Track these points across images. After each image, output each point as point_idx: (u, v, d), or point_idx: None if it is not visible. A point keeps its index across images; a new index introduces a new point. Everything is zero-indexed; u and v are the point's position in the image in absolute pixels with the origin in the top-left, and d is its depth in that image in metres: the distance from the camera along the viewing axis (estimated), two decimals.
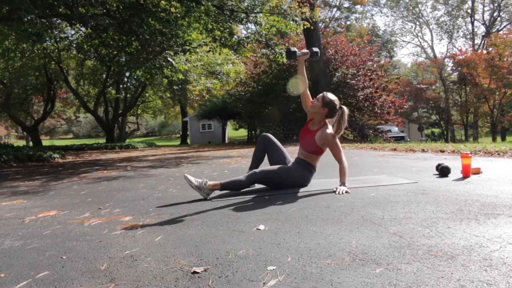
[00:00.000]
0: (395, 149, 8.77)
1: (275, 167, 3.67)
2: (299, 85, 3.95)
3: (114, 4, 7.30)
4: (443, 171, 4.13)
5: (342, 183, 3.51)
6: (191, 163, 7.72)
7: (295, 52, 3.88)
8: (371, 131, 18.61)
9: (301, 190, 3.60)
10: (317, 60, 4.55)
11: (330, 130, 3.67)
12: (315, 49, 3.98)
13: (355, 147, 10.76)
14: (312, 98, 3.85)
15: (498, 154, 6.35)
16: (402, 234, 2.07)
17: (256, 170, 3.61)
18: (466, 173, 4.01)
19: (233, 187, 3.61)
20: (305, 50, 3.95)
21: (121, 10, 7.47)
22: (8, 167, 8.41)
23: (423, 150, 7.94)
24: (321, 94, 3.73)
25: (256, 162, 3.97)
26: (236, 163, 7.18)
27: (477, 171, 4.16)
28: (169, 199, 3.56)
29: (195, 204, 3.27)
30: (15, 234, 2.49)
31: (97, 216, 2.97)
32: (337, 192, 3.37)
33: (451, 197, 3.01)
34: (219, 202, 3.25)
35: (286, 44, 18.69)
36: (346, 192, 3.39)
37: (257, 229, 2.33)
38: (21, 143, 40.07)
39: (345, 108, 3.70)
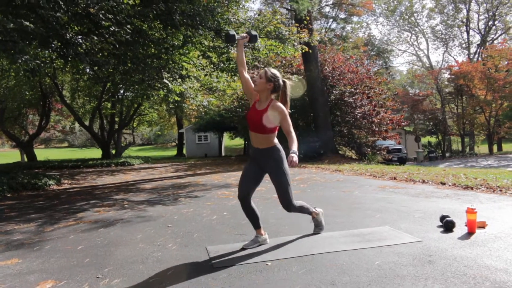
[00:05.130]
0: (395, 178, 8.69)
1: (282, 182, 3.68)
2: (238, 68, 3.99)
3: (113, 43, 7.23)
4: (448, 226, 4.05)
5: (293, 151, 3.43)
6: (189, 196, 7.62)
7: (234, 36, 3.89)
8: (369, 149, 18.59)
9: (304, 253, 3.51)
10: (255, 43, 4.66)
11: (277, 102, 3.70)
12: (254, 33, 4.02)
13: (353, 172, 10.68)
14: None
15: (500, 190, 6.29)
16: None
17: (289, 204, 3.73)
18: (472, 228, 3.93)
19: None
20: (244, 34, 3.97)
21: (117, 46, 7.41)
22: (3, 198, 8.28)
23: (423, 181, 7.87)
24: (262, 71, 3.77)
25: (254, 220, 3.86)
26: (234, 197, 7.08)
27: (483, 225, 4.08)
28: (169, 261, 3.47)
29: (196, 271, 3.19)
30: None
31: None
32: (288, 162, 3.41)
33: (459, 270, 2.93)
34: (221, 271, 3.15)
35: (283, 61, 18.64)
36: (294, 162, 3.36)
37: None
38: (16, 153, 39.82)
39: (287, 80, 3.82)
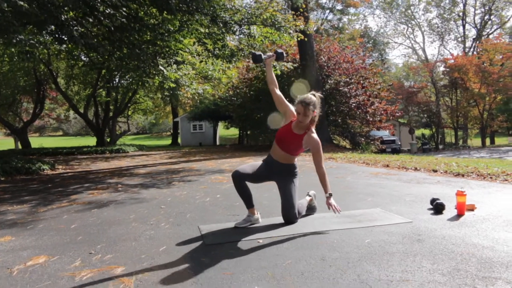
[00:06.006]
0: (387, 166, 8.75)
1: (291, 194, 3.80)
2: (269, 86, 3.95)
3: (108, 25, 7.20)
4: (438, 208, 4.11)
5: (330, 194, 3.67)
6: (182, 180, 7.65)
7: (261, 55, 3.93)
8: (362, 139, 18.67)
9: (296, 232, 3.55)
10: (283, 60, 4.67)
11: (315, 134, 3.77)
12: (280, 50, 4.05)
13: (346, 160, 10.73)
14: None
15: (491, 177, 6.36)
16: None
17: (293, 218, 3.82)
18: (461, 210, 3.99)
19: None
20: (271, 53, 4.00)
21: (113, 30, 7.39)
22: None
23: (415, 169, 7.93)
24: (298, 106, 3.65)
25: (247, 199, 3.88)
26: (228, 181, 7.12)
27: (472, 208, 4.14)
28: (161, 239, 3.50)
29: (188, 247, 3.22)
30: None
31: (89, 265, 2.91)
32: (336, 214, 3.63)
33: (447, 247, 2.98)
34: (214, 249, 3.19)
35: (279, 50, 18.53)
36: (339, 209, 3.59)
37: None
38: (10, 141, 39.70)
39: (316, 94, 3.78)
